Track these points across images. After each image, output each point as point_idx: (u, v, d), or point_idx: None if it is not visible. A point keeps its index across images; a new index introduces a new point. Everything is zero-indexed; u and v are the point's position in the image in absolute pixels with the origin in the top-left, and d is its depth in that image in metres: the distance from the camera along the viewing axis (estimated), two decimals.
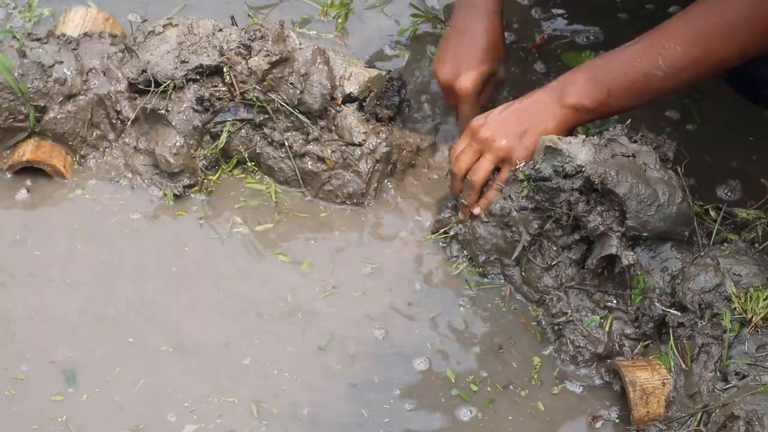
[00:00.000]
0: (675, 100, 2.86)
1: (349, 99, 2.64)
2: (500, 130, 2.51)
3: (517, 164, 2.47)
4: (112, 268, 2.56)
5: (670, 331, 2.35)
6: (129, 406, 2.35)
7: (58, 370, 2.39)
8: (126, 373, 2.40)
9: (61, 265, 2.56)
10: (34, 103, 2.63)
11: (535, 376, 2.42)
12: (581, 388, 2.41)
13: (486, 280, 2.57)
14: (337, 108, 2.63)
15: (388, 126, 2.70)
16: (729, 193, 2.72)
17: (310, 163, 2.66)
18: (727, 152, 2.82)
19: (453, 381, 2.41)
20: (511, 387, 2.41)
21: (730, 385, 2.23)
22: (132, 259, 2.57)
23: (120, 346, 2.44)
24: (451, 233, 2.60)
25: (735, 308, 2.28)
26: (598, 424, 2.36)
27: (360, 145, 2.62)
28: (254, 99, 2.62)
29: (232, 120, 2.65)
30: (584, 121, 2.51)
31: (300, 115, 2.62)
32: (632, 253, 2.37)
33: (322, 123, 2.64)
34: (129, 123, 2.68)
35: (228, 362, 2.43)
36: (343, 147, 2.63)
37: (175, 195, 2.67)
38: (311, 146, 2.64)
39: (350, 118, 2.63)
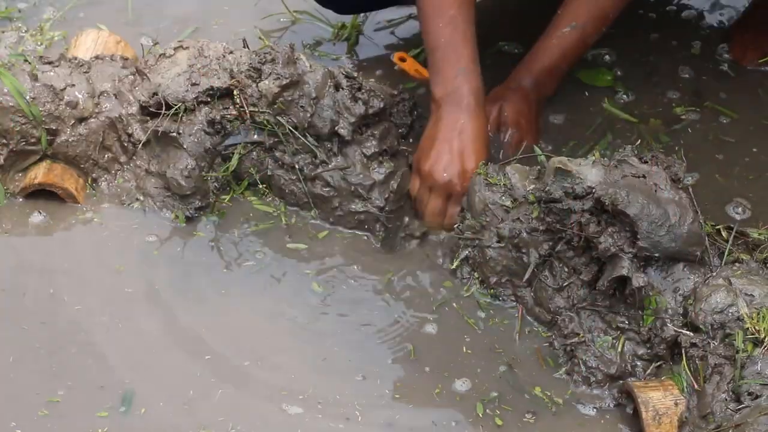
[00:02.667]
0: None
1: (360, 121, 2.64)
2: (437, 167, 2.61)
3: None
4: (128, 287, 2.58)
5: (683, 351, 2.34)
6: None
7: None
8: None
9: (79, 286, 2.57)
10: (46, 126, 2.64)
11: (548, 398, 2.41)
12: (594, 409, 2.40)
13: (498, 301, 2.56)
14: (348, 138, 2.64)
15: (399, 144, 2.71)
16: (741, 213, 2.72)
17: (320, 186, 2.66)
18: (738, 172, 2.82)
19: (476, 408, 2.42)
20: (523, 407, 2.40)
21: (743, 405, 2.22)
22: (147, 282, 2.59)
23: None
24: (462, 255, 2.59)
25: (747, 328, 2.28)
26: None
27: (369, 179, 2.65)
28: (264, 122, 2.62)
29: (243, 143, 2.65)
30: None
31: (309, 140, 2.62)
32: (643, 275, 2.36)
33: (330, 145, 2.63)
34: (140, 145, 2.69)
35: None
36: (353, 177, 2.64)
37: (186, 217, 2.67)
38: (320, 170, 2.65)
39: (358, 154, 2.64)
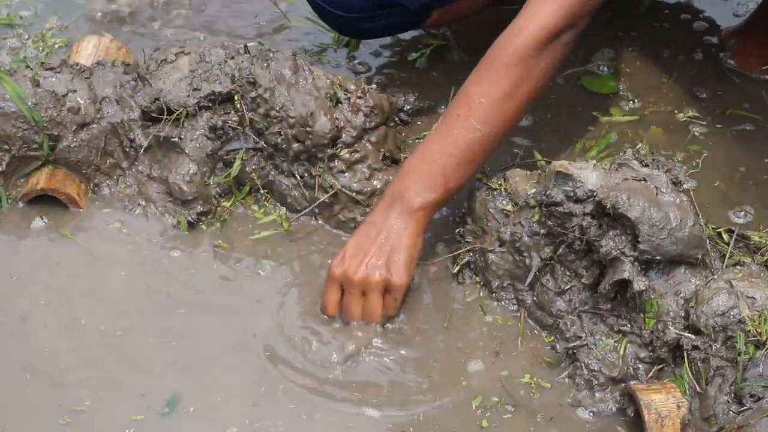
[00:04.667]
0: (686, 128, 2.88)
1: (361, 129, 2.65)
2: (369, 265, 2.46)
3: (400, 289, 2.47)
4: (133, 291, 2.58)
5: (685, 354, 2.34)
6: None
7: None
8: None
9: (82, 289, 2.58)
10: (48, 132, 2.64)
11: (550, 401, 2.41)
12: (596, 412, 2.40)
13: (500, 305, 2.56)
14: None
15: (399, 149, 2.71)
16: (743, 217, 2.72)
17: (321, 193, 2.66)
18: (741, 177, 2.82)
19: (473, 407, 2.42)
20: (524, 410, 2.40)
21: (745, 407, 2.22)
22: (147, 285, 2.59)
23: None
24: (464, 260, 2.60)
25: (749, 331, 2.28)
26: None
27: (368, 188, 2.65)
28: (263, 128, 2.63)
29: (244, 148, 2.66)
30: (435, 211, 2.51)
31: (308, 145, 2.62)
32: (644, 278, 2.37)
33: (330, 152, 2.64)
34: (142, 151, 2.69)
35: None
36: (353, 184, 2.64)
37: (188, 222, 2.67)
38: (320, 179, 2.65)
39: (360, 165, 2.65)
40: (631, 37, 2.85)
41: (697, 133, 2.94)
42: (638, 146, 2.46)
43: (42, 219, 2.67)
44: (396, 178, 2.51)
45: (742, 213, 2.75)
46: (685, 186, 2.42)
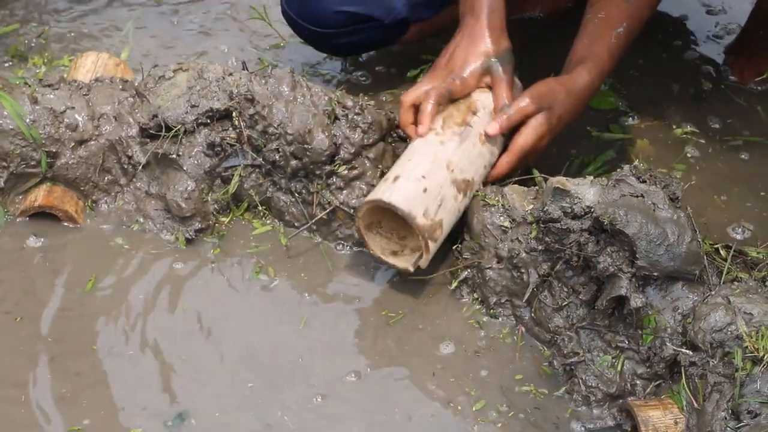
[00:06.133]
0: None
1: (359, 146, 2.65)
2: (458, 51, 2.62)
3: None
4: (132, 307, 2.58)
5: (682, 370, 2.34)
6: None
7: None
8: None
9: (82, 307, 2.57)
10: (46, 149, 2.65)
11: (547, 417, 2.41)
12: (594, 428, 2.40)
13: (498, 321, 2.57)
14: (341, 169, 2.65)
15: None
16: (741, 233, 2.73)
17: (318, 210, 2.67)
18: (739, 192, 2.83)
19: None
20: (521, 427, 2.40)
21: (742, 423, 2.22)
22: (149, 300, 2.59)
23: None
24: (461, 276, 2.60)
25: (746, 347, 2.28)
26: None
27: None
28: (261, 145, 2.63)
29: (242, 165, 2.66)
30: None
31: (306, 162, 2.62)
32: (641, 295, 2.37)
33: (329, 168, 2.64)
34: (140, 168, 2.69)
35: None
36: (351, 200, 2.65)
37: (186, 239, 2.68)
38: (318, 195, 2.65)
39: (358, 181, 2.65)
40: (630, 53, 2.84)
41: (695, 148, 2.94)
42: (635, 162, 2.46)
43: (36, 237, 2.67)
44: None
45: (740, 229, 2.75)
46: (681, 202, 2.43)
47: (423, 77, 2.68)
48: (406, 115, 2.62)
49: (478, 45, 2.61)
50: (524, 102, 2.59)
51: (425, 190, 2.48)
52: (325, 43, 2.94)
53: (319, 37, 2.89)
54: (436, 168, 2.51)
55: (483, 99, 2.64)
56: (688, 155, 2.92)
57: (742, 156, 2.94)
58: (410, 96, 2.61)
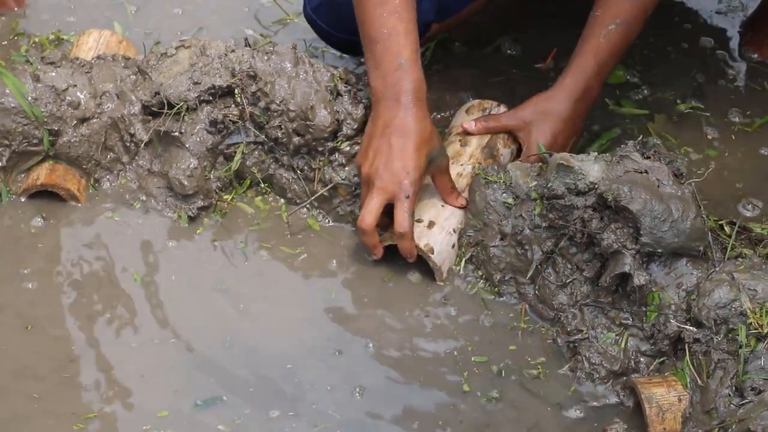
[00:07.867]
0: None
1: (362, 122, 2.64)
2: (386, 162, 2.49)
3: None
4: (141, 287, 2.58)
5: (686, 347, 2.34)
6: None
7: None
8: None
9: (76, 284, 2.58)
10: (48, 127, 2.64)
11: (550, 394, 2.41)
12: (597, 405, 2.40)
13: (502, 299, 2.56)
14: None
15: None
16: (751, 210, 2.72)
17: (320, 187, 2.66)
18: (749, 166, 2.82)
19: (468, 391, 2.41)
20: (524, 404, 2.40)
21: (746, 400, 2.22)
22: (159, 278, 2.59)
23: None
24: (467, 255, 2.59)
25: (750, 323, 2.27)
26: None
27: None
28: (263, 122, 2.62)
29: (244, 142, 2.65)
30: None
31: (308, 139, 2.61)
32: (645, 273, 2.36)
33: (331, 145, 2.63)
34: (143, 145, 2.69)
35: None
36: (352, 177, 2.64)
37: (189, 217, 2.67)
38: (320, 172, 2.65)
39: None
40: (643, 33, 2.83)
41: (706, 124, 2.93)
42: (641, 138, 2.45)
43: (41, 215, 2.66)
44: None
45: (750, 206, 2.74)
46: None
47: (363, 193, 2.55)
48: (372, 238, 2.53)
49: (415, 147, 2.50)
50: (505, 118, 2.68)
51: (453, 247, 2.57)
52: (354, 48, 2.91)
53: (350, 43, 2.86)
54: (457, 222, 2.58)
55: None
56: (708, 135, 2.91)
57: (755, 131, 2.93)
58: (369, 220, 2.50)
